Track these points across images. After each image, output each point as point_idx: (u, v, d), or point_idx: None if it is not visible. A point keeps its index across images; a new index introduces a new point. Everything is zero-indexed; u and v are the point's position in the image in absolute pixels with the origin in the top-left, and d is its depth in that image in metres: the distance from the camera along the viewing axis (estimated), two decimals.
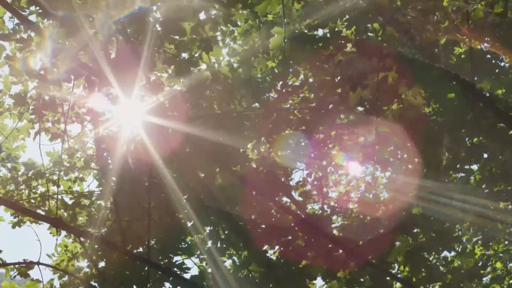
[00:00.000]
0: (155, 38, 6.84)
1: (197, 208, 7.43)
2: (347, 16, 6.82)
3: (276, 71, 8.13)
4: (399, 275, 6.99)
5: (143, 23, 6.60)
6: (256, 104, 7.97)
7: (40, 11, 7.15)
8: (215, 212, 7.17)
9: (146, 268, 7.11)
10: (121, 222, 7.53)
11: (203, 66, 7.46)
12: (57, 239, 8.76)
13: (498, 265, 8.24)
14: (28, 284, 7.84)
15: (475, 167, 6.72)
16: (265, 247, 6.77)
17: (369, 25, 6.80)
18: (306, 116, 7.97)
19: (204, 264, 7.73)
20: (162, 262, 7.38)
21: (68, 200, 9.00)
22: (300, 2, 7.04)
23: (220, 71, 7.73)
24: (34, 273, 8.13)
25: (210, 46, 6.76)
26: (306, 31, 7.17)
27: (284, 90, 7.96)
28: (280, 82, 8.23)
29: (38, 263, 7.57)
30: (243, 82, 7.92)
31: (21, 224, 9.01)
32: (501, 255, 8.38)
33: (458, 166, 6.59)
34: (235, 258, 7.50)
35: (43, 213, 8.88)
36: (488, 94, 6.57)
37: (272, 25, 7.42)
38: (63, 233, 9.14)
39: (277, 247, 6.86)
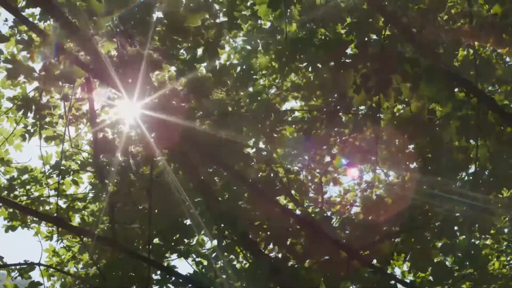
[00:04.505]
0: (157, 38, 6.82)
1: (198, 208, 7.42)
2: (347, 19, 6.80)
3: (277, 71, 8.12)
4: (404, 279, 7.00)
5: (145, 22, 6.58)
6: (256, 103, 7.96)
7: (40, 11, 7.11)
8: (216, 212, 7.13)
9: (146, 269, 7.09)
10: (115, 225, 7.51)
11: (204, 65, 7.45)
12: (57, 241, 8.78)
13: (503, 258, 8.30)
14: (29, 285, 7.82)
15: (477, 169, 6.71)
16: (268, 249, 6.75)
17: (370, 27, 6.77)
18: (307, 115, 7.97)
19: (203, 265, 7.70)
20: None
21: (61, 203, 8.95)
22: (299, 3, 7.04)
23: (220, 70, 7.71)
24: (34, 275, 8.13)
25: (216, 52, 6.75)
26: (305, 35, 7.16)
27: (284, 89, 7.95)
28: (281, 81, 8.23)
29: (39, 264, 7.57)
30: (243, 82, 7.91)
31: (14, 228, 8.95)
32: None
33: (461, 168, 6.59)
34: (236, 259, 7.49)
35: (36, 217, 8.83)
36: (492, 96, 6.57)
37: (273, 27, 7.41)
38: (54, 237, 9.12)
39: (280, 249, 6.84)
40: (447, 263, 6.97)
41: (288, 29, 7.12)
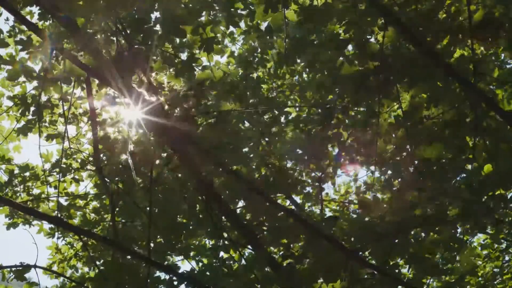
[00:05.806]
0: (155, 38, 6.84)
1: (199, 207, 7.42)
2: (346, 19, 6.79)
3: (275, 71, 8.12)
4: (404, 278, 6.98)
5: (143, 23, 6.59)
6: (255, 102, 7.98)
7: (39, 11, 7.13)
8: (217, 211, 7.14)
9: (143, 269, 7.09)
10: (115, 224, 7.51)
11: (203, 65, 7.47)
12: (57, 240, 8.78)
13: (499, 261, 8.30)
14: (24, 287, 7.81)
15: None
16: (269, 248, 6.76)
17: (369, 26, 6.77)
18: (305, 115, 7.98)
19: (204, 264, 7.71)
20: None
21: (63, 201, 8.96)
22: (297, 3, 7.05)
23: (218, 70, 7.73)
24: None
25: (211, 47, 6.78)
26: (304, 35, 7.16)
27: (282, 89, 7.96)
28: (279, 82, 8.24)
29: (35, 266, 7.54)
30: (241, 82, 7.92)
31: (16, 225, 8.94)
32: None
33: (459, 167, 6.58)
34: (236, 257, 7.50)
35: (36, 217, 8.84)
36: (490, 95, 6.56)
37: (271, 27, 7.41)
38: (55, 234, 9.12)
39: (278, 249, 6.85)
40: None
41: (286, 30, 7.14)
